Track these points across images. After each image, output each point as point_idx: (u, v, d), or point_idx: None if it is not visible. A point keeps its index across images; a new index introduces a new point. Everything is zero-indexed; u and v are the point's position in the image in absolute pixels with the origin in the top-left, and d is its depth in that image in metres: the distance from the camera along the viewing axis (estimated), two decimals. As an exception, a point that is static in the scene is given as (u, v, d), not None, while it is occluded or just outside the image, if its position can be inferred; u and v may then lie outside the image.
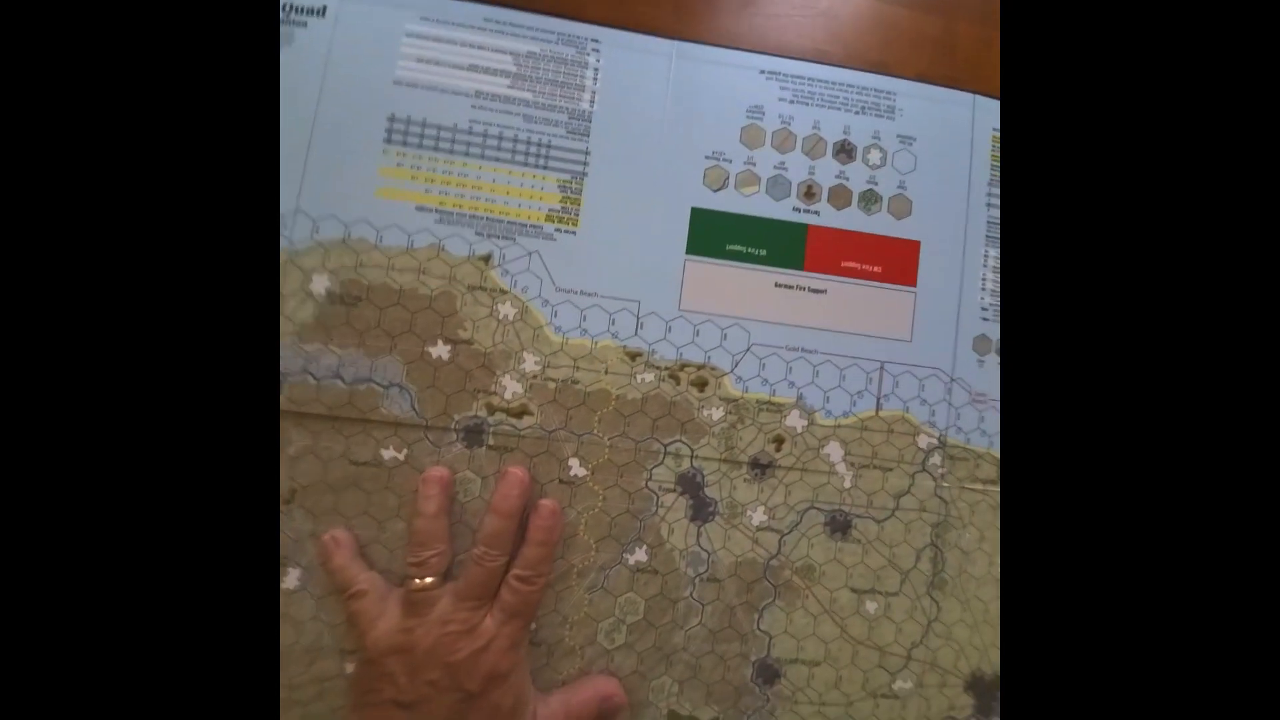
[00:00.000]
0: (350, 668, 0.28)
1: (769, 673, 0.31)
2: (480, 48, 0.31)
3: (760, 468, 0.31)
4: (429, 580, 0.27)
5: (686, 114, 0.32)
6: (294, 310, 0.29)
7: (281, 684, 0.28)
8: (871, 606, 0.31)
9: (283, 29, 0.30)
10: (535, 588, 0.28)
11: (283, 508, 0.29)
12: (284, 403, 0.29)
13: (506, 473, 0.29)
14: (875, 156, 0.33)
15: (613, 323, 0.31)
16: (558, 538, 0.29)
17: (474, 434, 0.30)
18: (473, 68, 0.31)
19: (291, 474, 0.29)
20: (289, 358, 0.29)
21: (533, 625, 0.29)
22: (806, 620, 0.31)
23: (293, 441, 0.29)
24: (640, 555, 0.30)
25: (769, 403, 0.32)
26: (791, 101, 0.33)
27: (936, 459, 0.32)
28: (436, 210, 0.30)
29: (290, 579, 0.28)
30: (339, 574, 0.28)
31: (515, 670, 0.27)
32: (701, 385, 0.32)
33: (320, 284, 0.29)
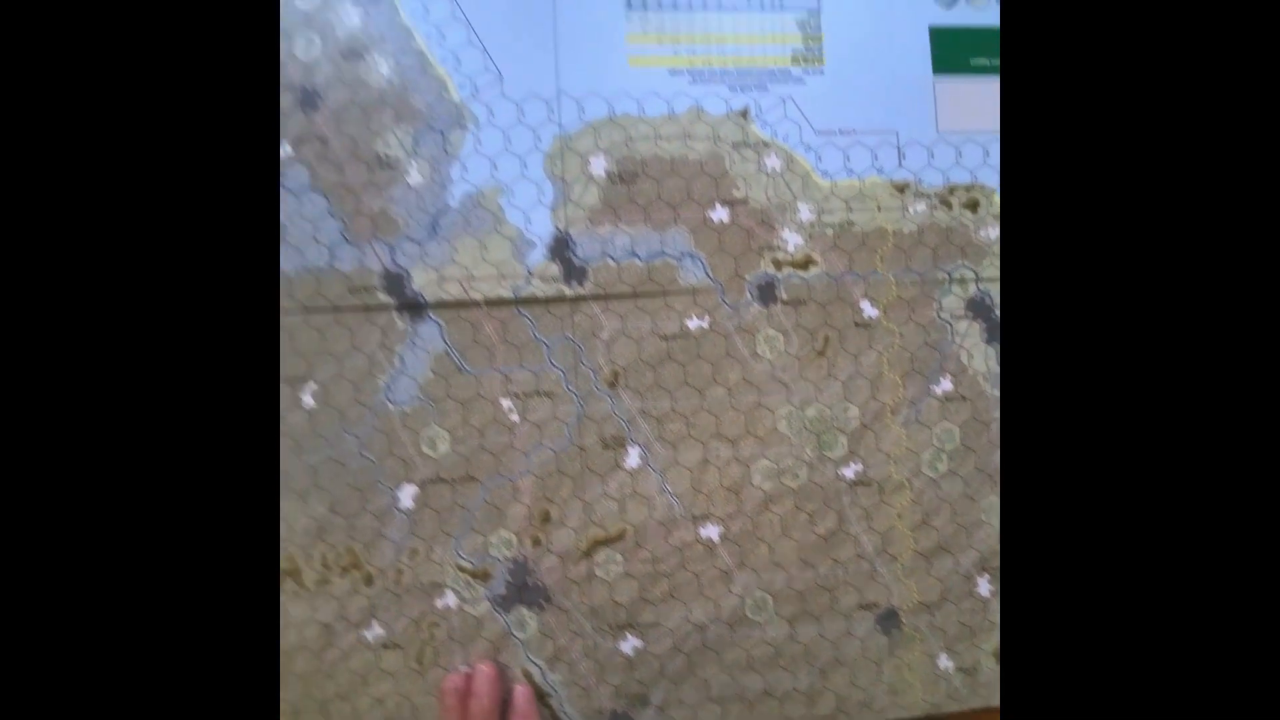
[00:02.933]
0: (704, 531, 0.30)
1: (1087, 472, 0.32)
2: (695, -105, 0.30)
3: (1046, 278, 0.32)
4: None
5: (912, -73, 0.31)
6: (580, 195, 0.30)
7: (646, 556, 0.30)
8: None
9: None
10: None
11: (609, 390, 0.30)
12: (590, 288, 0.30)
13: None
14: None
15: (875, 157, 0.31)
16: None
17: (767, 291, 0.31)
18: (693, -83, 0.30)
19: (610, 358, 0.30)
20: (586, 244, 0.30)
21: (858, 467, 0.31)
22: (1115, 417, 0.32)
23: (605, 326, 0.30)
24: (946, 385, 0.31)
25: (1045, 211, 0.32)
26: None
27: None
28: (688, 71, 0.30)
29: (631, 457, 0.30)
30: None
31: None
32: (974, 206, 0.32)
33: (599, 165, 0.30)
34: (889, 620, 0.31)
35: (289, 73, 0.30)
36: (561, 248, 0.30)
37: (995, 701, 0.31)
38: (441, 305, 0.30)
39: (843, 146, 0.31)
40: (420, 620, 0.30)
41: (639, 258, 0.30)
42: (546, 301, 0.30)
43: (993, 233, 0.32)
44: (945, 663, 0.31)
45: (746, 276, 0.31)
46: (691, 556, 0.30)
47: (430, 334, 0.30)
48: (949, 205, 0.32)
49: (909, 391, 0.31)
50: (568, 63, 0.30)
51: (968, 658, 0.31)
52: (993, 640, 0.32)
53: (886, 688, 0.31)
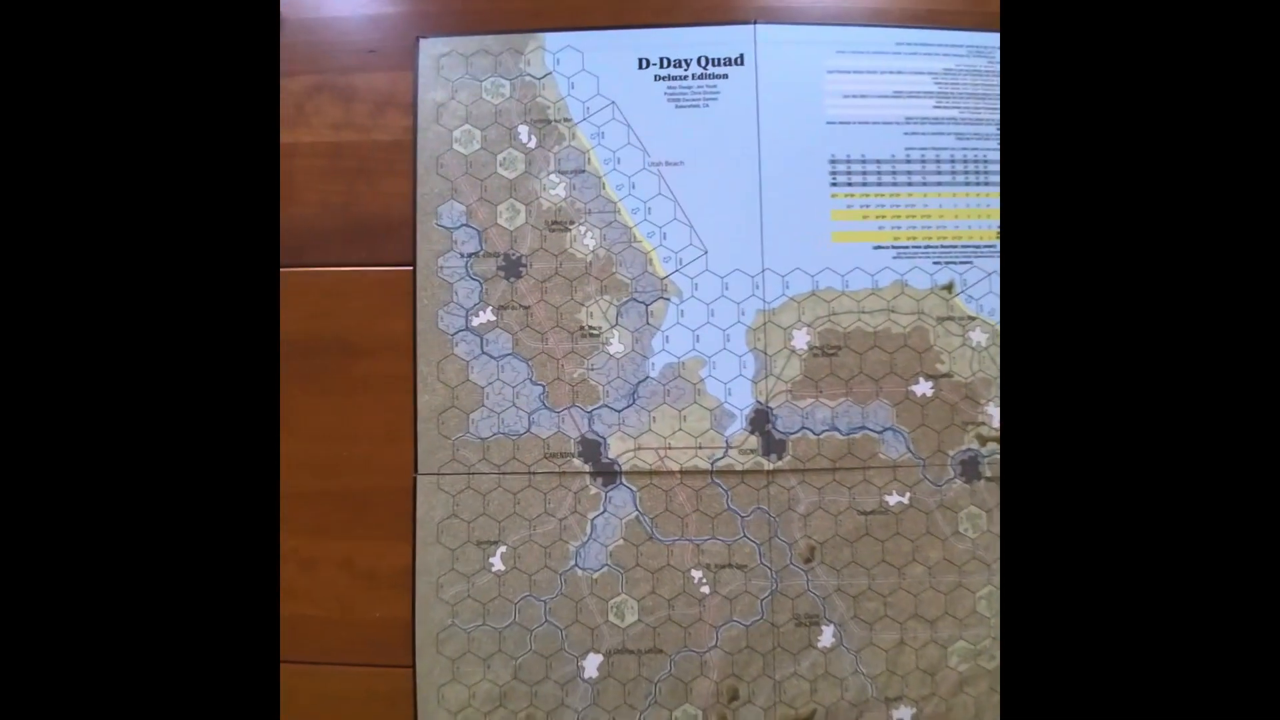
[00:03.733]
0: (895, 713, 0.29)
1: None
2: (899, 72, 0.31)
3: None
4: None
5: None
6: (782, 369, 0.30)
7: (835, 740, 0.29)
8: None
9: (703, 85, 0.31)
10: None
11: (804, 566, 0.30)
12: (789, 461, 0.30)
13: None
14: None
15: (1079, 331, 0.31)
16: None
17: (970, 467, 0.30)
18: (897, 94, 0.31)
19: (807, 532, 0.30)
20: (786, 417, 0.30)
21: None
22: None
23: (801, 500, 0.30)
24: (1157, 567, 0.30)
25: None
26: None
27: None
28: (893, 246, 0.30)
29: (825, 636, 0.29)
30: None
31: None
32: (1184, 381, 0.31)
33: (801, 339, 0.30)
34: (1107, 835, 0.29)
35: (493, 240, 0.31)
36: (761, 420, 0.30)
37: None
38: (636, 473, 0.30)
39: (1044, 317, 0.31)
40: (610, 802, 0.29)
41: (839, 431, 0.30)
42: (742, 473, 0.30)
43: (1203, 409, 0.31)
44: None
45: (949, 452, 0.30)
46: (888, 748, 0.29)
47: (623, 500, 0.30)
48: (1156, 379, 0.31)
49: (1117, 577, 0.30)
50: (772, 239, 0.30)
51: None
52: None
53: None
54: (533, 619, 0.30)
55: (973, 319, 0.30)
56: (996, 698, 0.29)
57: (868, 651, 0.30)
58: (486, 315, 0.30)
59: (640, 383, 0.30)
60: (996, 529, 0.30)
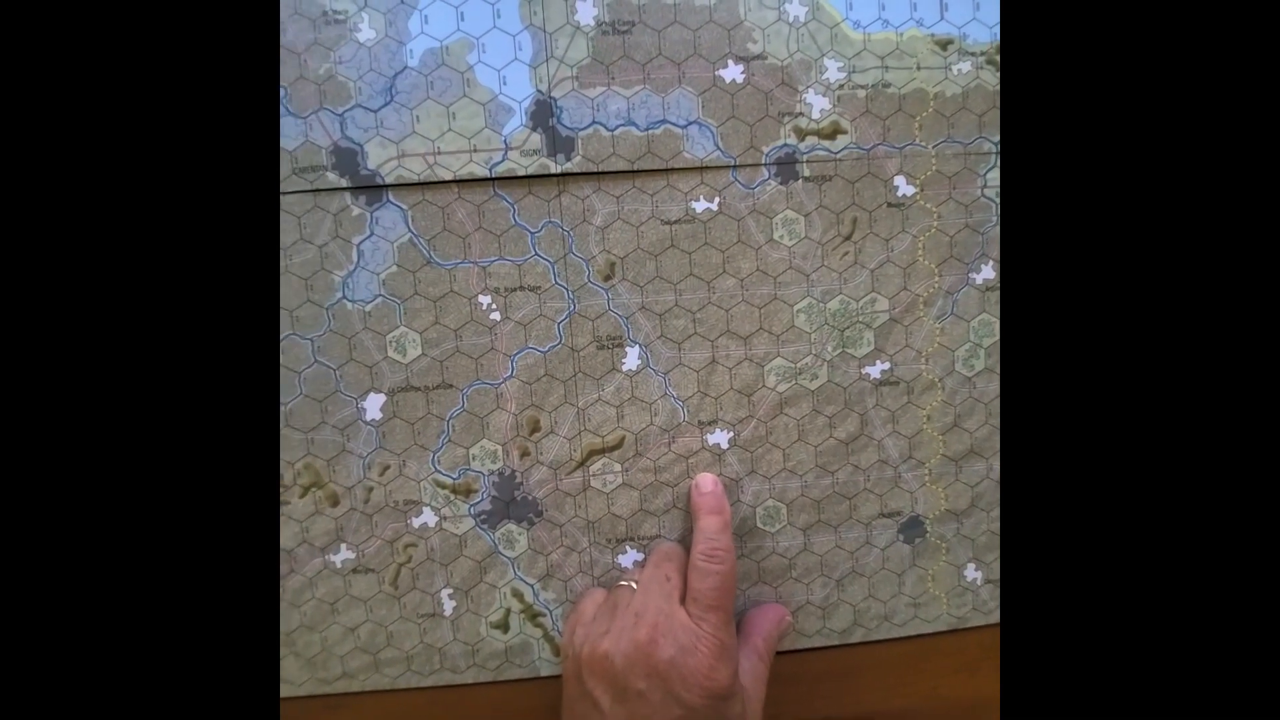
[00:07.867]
0: (710, 437, 0.29)
1: (1135, 371, 0.31)
2: None
3: (1103, 150, 0.30)
4: None
5: None
6: (566, 50, 0.27)
7: (648, 465, 0.29)
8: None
9: None
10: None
11: (604, 284, 0.28)
12: (579, 163, 0.27)
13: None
14: None
15: (914, 7, 0.28)
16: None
17: (786, 167, 0.28)
18: None
19: (605, 246, 0.28)
20: (574, 109, 0.27)
21: (884, 366, 0.29)
22: (1170, 309, 0.31)
23: (598, 211, 0.28)
24: (987, 271, 0.30)
25: (1107, 70, 0.29)
26: None
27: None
28: (694, -107, 0.26)
29: (630, 358, 0.28)
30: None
31: None
32: (1027, 64, 0.29)
33: (587, 12, 0.26)
34: (913, 529, 0.31)
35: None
36: (544, 114, 0.27)
37: (1023, 614, 0.31)
38: (404, 186, 0.27)
39: (876, -9, 0.28)
40: (395, 541, 0.29)
41: (636, 126, 0.27)
42: (528, 180, 0.27)
43: (1046, 96, 0.29)
44: (972, 574, 0.31)
45: (763, 149, 0.28)
46: (697, 464, 0.29)
47: (392, 221, 0.27)
48: (996, 65, 0.29)
49: (945, 280, 0.29)
50: (545, -121, 0.26)
51: (997, 569, 0.31)
52: (1024, 551, 0.31)
53: (908, 600, 0.31)
54: (299, 360, 0.28)
55: (791, -12, 0.28)
56: (821, 419, 0.29)
57: (677, 373, 0.29)
58: None
59: (398, 74, 0.26)
60: (816, 235, 0.29)
